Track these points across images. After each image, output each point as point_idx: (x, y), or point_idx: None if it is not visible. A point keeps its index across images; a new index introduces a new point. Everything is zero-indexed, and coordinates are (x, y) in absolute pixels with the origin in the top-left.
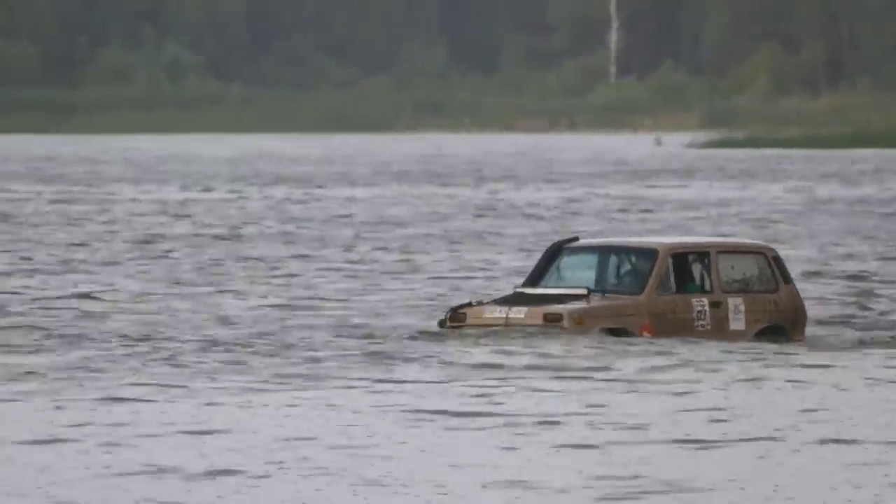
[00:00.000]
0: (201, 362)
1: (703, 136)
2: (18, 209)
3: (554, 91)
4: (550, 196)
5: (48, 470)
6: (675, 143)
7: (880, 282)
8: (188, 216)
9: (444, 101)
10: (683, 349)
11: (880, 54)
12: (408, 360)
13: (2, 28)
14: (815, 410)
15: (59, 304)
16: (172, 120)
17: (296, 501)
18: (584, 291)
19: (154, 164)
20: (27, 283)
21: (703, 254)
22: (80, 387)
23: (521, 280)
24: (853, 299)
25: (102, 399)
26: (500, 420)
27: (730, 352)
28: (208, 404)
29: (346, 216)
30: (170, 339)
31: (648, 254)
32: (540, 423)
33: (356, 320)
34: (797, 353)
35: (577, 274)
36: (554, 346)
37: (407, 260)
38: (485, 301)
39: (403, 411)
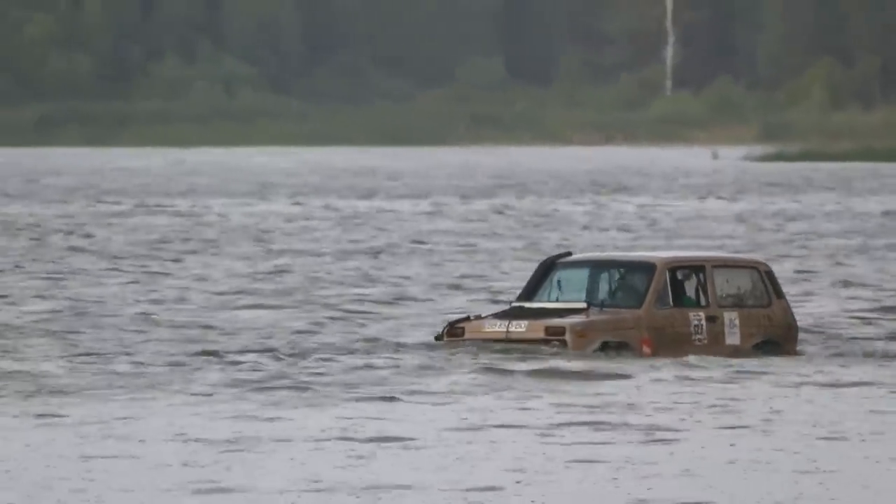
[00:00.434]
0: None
1: (758, 149)
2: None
3: (610, 104)
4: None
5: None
6: (731, 157)
7: None
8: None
9: (501, 115)
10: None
11: None
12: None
13: (57, 41)
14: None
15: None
16: (227, 133)
17: None
18: (583, 305)
19: (252, 177)
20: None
21: (698, 268)
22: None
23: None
24: None
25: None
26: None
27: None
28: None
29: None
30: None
31: (646, 268)
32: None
33: None
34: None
35: (572, 288)
36: (559, 360)
37: None
38: (483, 315)
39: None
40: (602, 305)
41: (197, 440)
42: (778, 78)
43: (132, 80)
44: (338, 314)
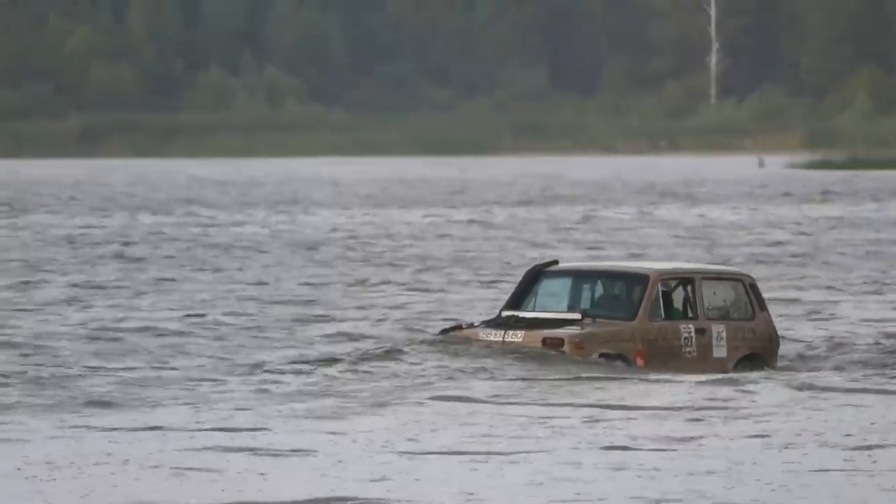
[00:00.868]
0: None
1: (803, 157)
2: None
3: (655, 112)
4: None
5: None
6: (777, 164)
7: None
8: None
9: (545, 123)
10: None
11: None
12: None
13: (101, 52)
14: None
15: None
16: (271, 144)
17: None
18: (577, 316)
19: (325, 187)
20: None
21: (688, 280)
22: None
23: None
24: None
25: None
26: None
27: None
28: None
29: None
30: None
31: (639, 279)
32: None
33: None
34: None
35: (559, 298)
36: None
37: None
38: (475, 324)
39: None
40: (594, 316)
41: (229, 450)
42: (822, 85)
43: (176, 91)
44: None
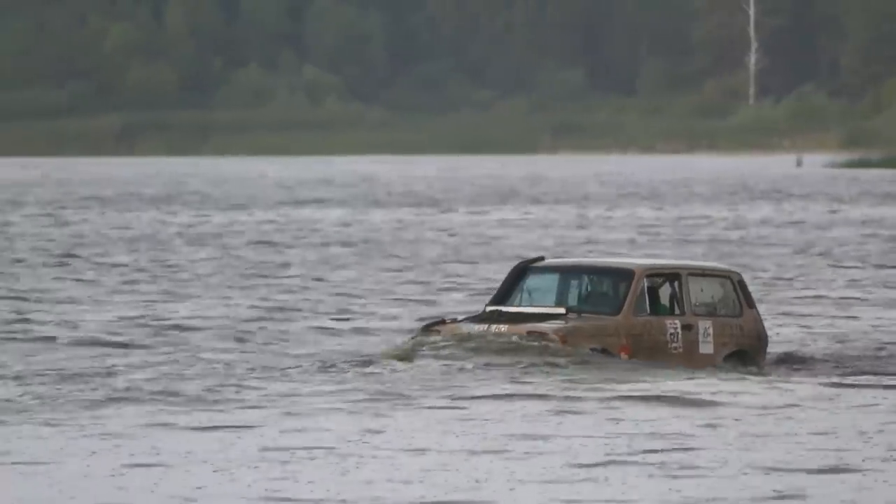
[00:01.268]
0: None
1: (841, 156)
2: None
3: (693, 112)
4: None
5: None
6: (815, 164)
7: None
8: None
9: (583, 123)
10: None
11: None
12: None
13: (140, 50)
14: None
15: None
16: (309, 142)
17: None
18: (562, 311)
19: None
20: None
21: (674, 276)
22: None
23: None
24: None
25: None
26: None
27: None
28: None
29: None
30: None
31: (624, 274)
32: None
33: None
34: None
35: (546, 293)
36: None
37: None
38: (459, 318)
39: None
40: (579, 311)
41: (268, 449)
42: (861, 86)
43: (213, 89)
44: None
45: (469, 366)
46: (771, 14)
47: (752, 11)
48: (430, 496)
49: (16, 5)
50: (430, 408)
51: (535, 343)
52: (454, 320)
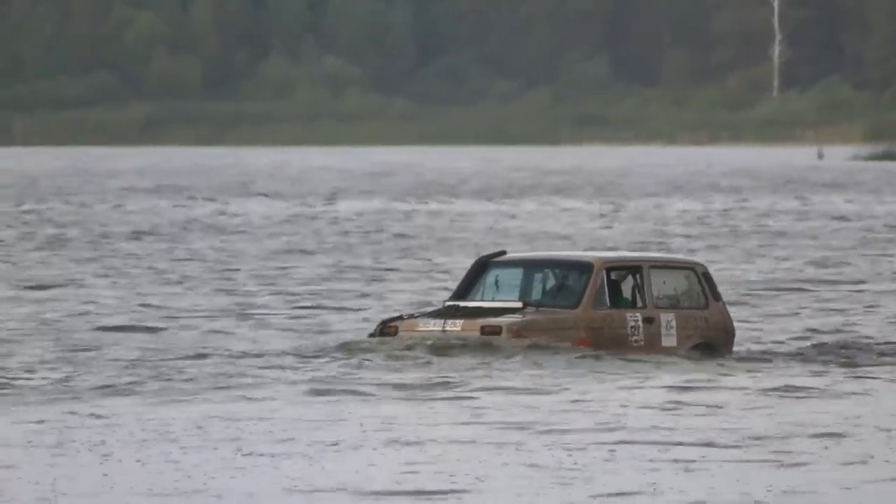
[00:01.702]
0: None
1: (864, 149)
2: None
3: (716, 104)
4: None
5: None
6: (837, 156)
7: None
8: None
9: (606, 115)
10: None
11: None
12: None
13: (165, 42)
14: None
15: None
16: (333, 133)
17: None
18: (519, 304)
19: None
20: None
21: (635, 268)
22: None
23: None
24: None
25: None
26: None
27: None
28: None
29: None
30: None
31: (583, 267)
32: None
33: None
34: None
35: (507, 287)
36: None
37: None
38: (416, 314)
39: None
40: (538, 305)
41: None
42: (885, 79)
43: (238, 80)
44: None
45: (420, 361)
46: (795, 6)
47: (776, 3)
48: (391, 486)
49: None
50: (383, 399)
51: (486, 338)
52: (412, 316)
